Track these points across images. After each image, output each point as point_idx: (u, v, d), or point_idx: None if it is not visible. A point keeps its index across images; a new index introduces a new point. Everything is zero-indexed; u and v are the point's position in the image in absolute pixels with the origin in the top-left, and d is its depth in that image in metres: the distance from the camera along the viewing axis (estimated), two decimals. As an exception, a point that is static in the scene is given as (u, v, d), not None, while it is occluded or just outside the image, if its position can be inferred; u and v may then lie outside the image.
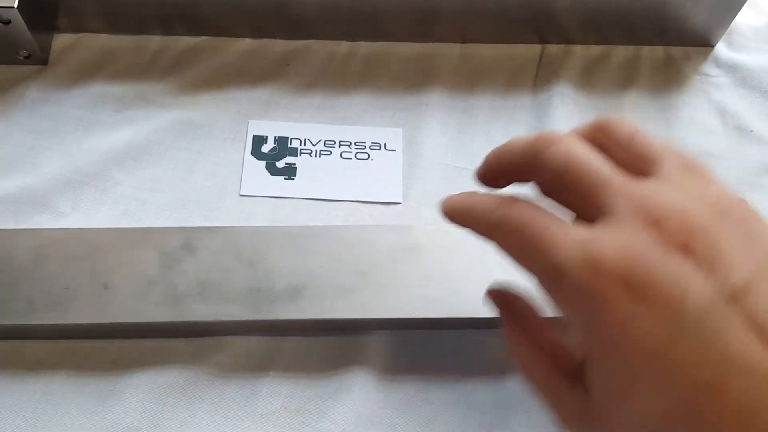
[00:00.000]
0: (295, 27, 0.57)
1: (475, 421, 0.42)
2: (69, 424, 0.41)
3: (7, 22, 0.50)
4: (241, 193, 0.50)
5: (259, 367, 0.43)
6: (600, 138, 0.30)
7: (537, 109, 0.55)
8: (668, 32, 0.58)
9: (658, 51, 0.59)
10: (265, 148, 0.52)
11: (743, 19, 0.60)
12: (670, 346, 0.24)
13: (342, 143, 0.53)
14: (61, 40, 0.57)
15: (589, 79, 0.57)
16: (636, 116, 0.56)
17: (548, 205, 0.30)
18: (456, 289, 0.43)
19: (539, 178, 0.30)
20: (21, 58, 0.54)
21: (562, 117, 0.54)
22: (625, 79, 0.58)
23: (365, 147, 0.53)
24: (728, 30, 0.59)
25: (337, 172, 0.52)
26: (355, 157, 0.52)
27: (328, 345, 0.44)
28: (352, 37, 0.58)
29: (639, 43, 0.59)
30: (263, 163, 0.52)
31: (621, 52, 0.59)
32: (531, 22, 0.57)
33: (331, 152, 0.52)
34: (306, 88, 0.56)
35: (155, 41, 0.57)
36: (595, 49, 0.59)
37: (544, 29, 0.58)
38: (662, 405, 0.25)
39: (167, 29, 0.57)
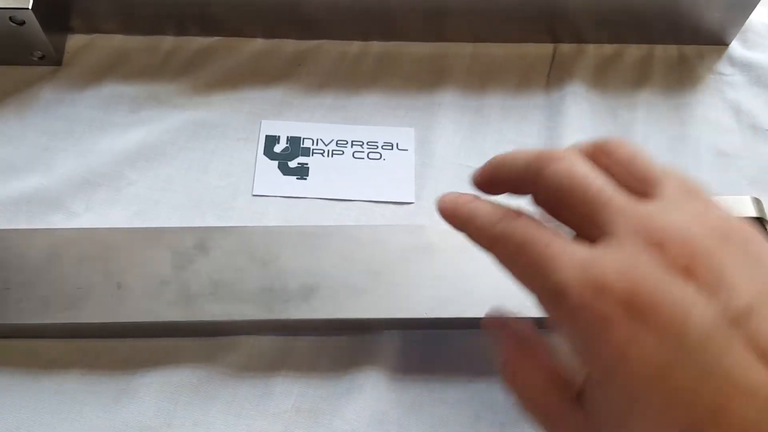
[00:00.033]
0: (307, 27, 0.57)
1: (487, 421, 0.42)
2: (82, 422, 0.41)
3: (22, 23, 0.51)
4: (254, 193, 0.50)
5: (271, 366, 0.44)
6: (601, 158, 0.30)
7: (549, 108, 0.55)
8: (682, 31, 0.58)
9: (672, 50, 0.59)
10: (278, 148, 0.52)
11: (758, 17, 0.60)
12: (671, 370, 0.24)
13: (354, 143, 0.53)
14: (74, 41, 0.57)
15: (602, 79, 0.57)
16: (649, 115, 0.55)
17: (546, 217, 0.29)
18: (469, 289, 0.43)
19: (539, 194, 0.30)
20: (35, 59, 0.54)
21: (575, 116, 0.54)
22: (639, 78, 0.57)
23: (377, 147, 0.53)
24: (743, 28, 0.59)
25: (350, 171, 0.52)
26: (368, 156, 0.52)
27: (340, 344, 0.44)
28: (364, 36, 0.58)
29: (652, 41, 0.59)
30: (276, 163, 0.52)
31: (634, 51, 0.59)
32: (543, 21, 0.57)
33: (343, 152, 0.52)
34: (318, 87, 0.56)
35: (168, 42, 0.58)
36: (608, 48, 0.59)
37: (556, 28, 0.58)
38: (664, 429, 0.25)
39: (180, 30, 0.57)
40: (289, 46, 0.58)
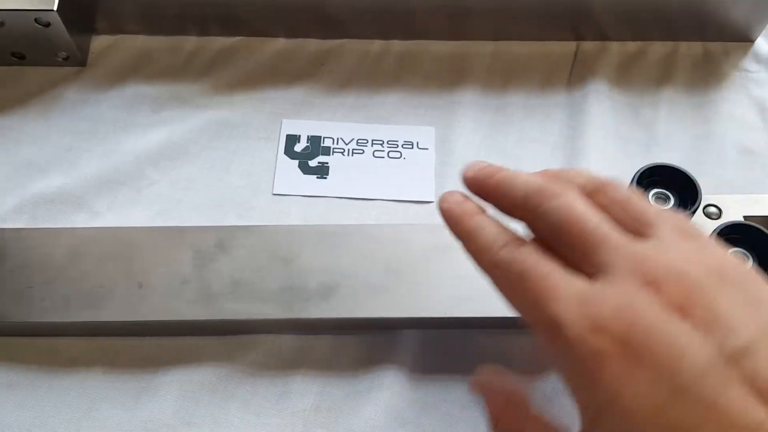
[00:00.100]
0: (329, 26, 0.57)
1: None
2: (103, 420, 0.42)
3: (47, 25, 0.51)
4: (274, 192, 0.51)
5: (290, 365, 0.44)
6: (599, 197, 0.30)
7: (572, 107, 0.55)
8: (707, 27, 0.57)
9: (696, 47, 0.58)
10: (298, 147, 0.52)
11: (785, 13, 0.59)
12: (666, 408, 0.24)
13: (374, 142, 0.53)
14: (99, 42, 0.57)
15: (625, 76, 0.57)
16: (672, 113, 0.55)
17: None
18: (488, 289, 0.42)
19: (536, 228, 0.31)
20: (60, 59, 0.55)
21: (598, 114, 0.54)
22: (662, 76, 0.57)
23: (398, 146, 0.53)
24: (769, 25, 0.58)
25: (370, 170, 0.52)
26: (388, 155, 0.52)
27: (359, 343, 0.44)
28: (386, 35, 0.58)
29: (676, 38, 0.58)
30: (296, 162, 0.52)
31: (658, 48, 0.58)
32: (566, 18, 0.56)
33: (363, 151, 0.52)
34: (339, 87, 0.56)
35: (191, 42, 0.58)
36: (632, 46, 0.58)
37: (579, 26, 0.57)
38: None
39: (203, 30, 0.58)
40: (311, 45, 0.58)
